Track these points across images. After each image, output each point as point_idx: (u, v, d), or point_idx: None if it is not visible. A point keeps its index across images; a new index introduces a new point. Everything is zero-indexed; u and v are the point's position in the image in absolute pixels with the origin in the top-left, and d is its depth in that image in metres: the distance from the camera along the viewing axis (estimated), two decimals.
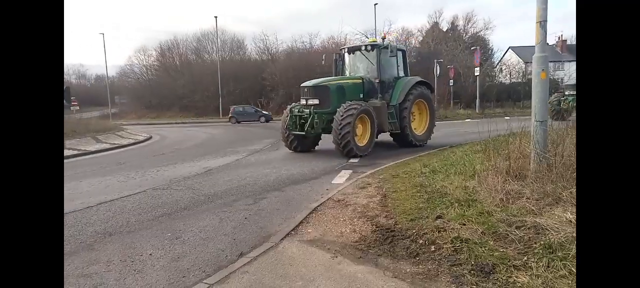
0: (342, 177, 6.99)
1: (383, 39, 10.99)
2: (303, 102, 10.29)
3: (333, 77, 11.00)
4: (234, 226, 4.50)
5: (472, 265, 2.97)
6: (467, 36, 43.14)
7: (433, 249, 3.35)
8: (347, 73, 11.50)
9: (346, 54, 11.69)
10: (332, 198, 5.23)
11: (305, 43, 39.48)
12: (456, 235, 3.44)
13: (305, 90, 10.30)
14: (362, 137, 9.88)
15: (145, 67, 46.71)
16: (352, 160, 8.98)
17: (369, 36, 36.11)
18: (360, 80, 10.66)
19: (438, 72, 26.81)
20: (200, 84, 38.66)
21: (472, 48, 28.79)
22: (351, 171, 7.55)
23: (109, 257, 3.66)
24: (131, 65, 48.06)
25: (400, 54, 11.52)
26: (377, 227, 4.03)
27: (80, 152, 12.19)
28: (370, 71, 10.91)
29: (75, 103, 28.19)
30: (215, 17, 38.84)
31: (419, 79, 11.50)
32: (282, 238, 3.90)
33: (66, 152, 11.82)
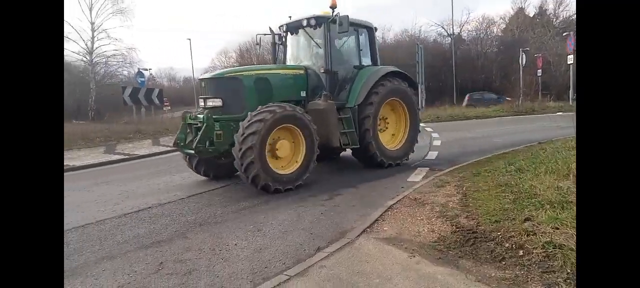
0: (417, 175, 6.81)
1: (333, 8, 7.04)
2: (201, 103, 6.69)
3: (252, 66, 8.15)
4: (310, 221, 4.63)
5: (567, 273, 2.72)
6: (557, 21, 39.11)
7: (521, 254, 3.12)
8: (289, 61, 7.96)
9: (289, 35, 7.93)
10: (408, 197, 5.13)
11: (377, 38, 38.98)
12: (548, 239, 3.17)
13: (203, 84, 6.68)
14: (287, 159, 6.27)
15: (226, 67, 49.89)
16: (428, 157, 8.68)
17: (444, 27, 34.45)
18: (302, 72, 7.16)
19: (523, 62, 24.68)
20: None
21: (564, 34, 26.02)
22: (428, 169, 7.32)
23: (199, 245, 4.00)
24: (214, 67, 51.64)
25: (364, 32, 7.82)
26: (457, 228, 3.87)
27: (173, 149, 13.42)
28: (319, 58, 7.38)
29: (167, 103, 31.06)
30: (289, 16, 40.06)
31: (392, 68, 7.81)
32: (358, 235, 3.92)
33: (163, 149, 13.11)
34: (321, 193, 5.94)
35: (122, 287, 3.15)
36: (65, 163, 10.05)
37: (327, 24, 7.04)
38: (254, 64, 46.76)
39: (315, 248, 3.75)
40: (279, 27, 8.03)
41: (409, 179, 6.55)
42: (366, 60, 7.89)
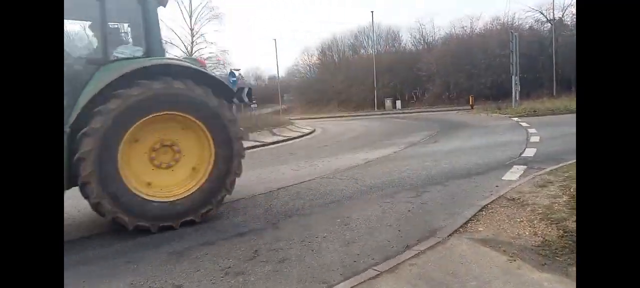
0: (514, 173, 6.28)
1: None
2: None
3: None
4: (397, 218, 4.55)
5: None
6: None
7: None
8: None
9: None
10: (505, 196, 4.75)
11: (465, 27, 36.71)
12: None
13: None
14: None
15: (309, 66, 51.25)
16: (525, 155, 7.96)
17: (543, 12, 31.16)
18: None
19: None
20: (356, 79, 40.22)
21: None
22: (526, 166, 6.71)
23: (289, 235, 4.17)
24: (297, 66, 53.45)
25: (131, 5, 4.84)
26: (565, 232, 3.49)
27: (260, 144, 14.22)
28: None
29: (255, 102, 32.95)
30: (372, 12, 39.76)
31: (165, 60, 4.82)
32: (450, 235, 3.75)
33: (252, 143, 13.96)
34: (406, 190, 5.80)
35: (224, 270, 3.41)
36: None
37: None
38: (335, 61, 47.26)
39: (404, 246, 3.67)
40: None
41: (504, 177, 6.08)
42: (127, 50, 5.00)
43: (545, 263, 3.03)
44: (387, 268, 3.16)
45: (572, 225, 3.63)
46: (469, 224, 3.98)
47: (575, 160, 6.42)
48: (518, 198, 4.60)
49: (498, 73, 27.70)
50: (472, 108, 24.71)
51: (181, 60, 5.31)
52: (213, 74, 5.39)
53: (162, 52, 5.12)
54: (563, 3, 34.67)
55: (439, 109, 28.91)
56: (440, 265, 3.16)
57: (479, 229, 3.85)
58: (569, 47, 29.38)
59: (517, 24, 32.33)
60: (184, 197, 4.65)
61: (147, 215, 4.41)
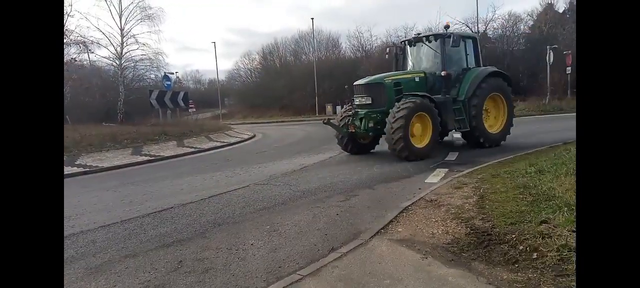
0: (436, 176, 6.75)
1: (446, 27, 9.53)
2: (356, 101, 9.54)
3: (390, 73, 9.93)
4: (326, 222, 4.69)
5: None
6: None
7: (535, 257, 3.08)
8: (409, 67, 10.47)
9: (408, 46, 10.63)
10: (424, 198, 5.11)
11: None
12: (563, 242, 3.12)
13: (358, 88, 9.55)
14: (421, 137, 8.77)
15: (250, 70, 50.54)
16: (448, 158, 8.59)
17: (469, 25, 33.79)
18: (423, 75, 9.64)
19: (551, 60, 23.92)
20: (298, 84, 40.46)
21: (564, 52, 25.00)
22: (447, 170, 7.24)
23: (218, 244, 4.13)
24: (238, 69, 52.46)
25: (470, 42, 10.24)
26: (472, 230, 3.84)
27: (196, 150, 13.79)
28: (435, 64, 9.81)
29: (193, 106, 31.80)
30: (312, 19, 40.29)
31: (492, 69, 10.07)
32: (372, 236, 3.96)
33: (187, 150, 13.48)
34: (338, 194, 5.99)
35: (143, 284, 3.30)
36: (95, 165, 10.51)
37: (443, 39, 9.47)
38: (276, 66, 47.23)
39: (329, 249, 3.81)
40: (401, 42, 11.13)
41: (426, 180, 6.51)
42: (472, 63, 10.08)
43: (452, 260, 3.32)
44: (310, 272, 3.27)
45: (479, 223, 4.01)
46: (390, 225, 4.23)
47: (487, 163, 7.06)
48: (436, 200, 4.97)
49: None
50: None
51: (495, 68, 10.28)
52: (506, 74, 10.70)
53: (481, 64, 10.31)
54: (486, 17, 37.79)
55: None
56: (360, 266, 3.33)
57: (399, 230, 4.10)
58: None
59: None
60: (496, 133, 10.19)
61: (490, 139, 9.93)
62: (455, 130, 9.69)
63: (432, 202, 4.89)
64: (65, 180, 8.97)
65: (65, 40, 24.94)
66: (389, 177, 7.02)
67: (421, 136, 8.78)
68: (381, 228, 4.14)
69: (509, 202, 4.45)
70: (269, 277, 3.31)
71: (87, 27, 29.90)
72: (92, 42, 26.18)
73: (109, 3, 26.73)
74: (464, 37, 10.10)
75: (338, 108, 35.94)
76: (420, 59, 10.34)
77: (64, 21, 24.44)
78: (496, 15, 36.90)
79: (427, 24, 55.49)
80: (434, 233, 3.92)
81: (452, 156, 8.84)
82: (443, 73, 9.40)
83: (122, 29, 27.57)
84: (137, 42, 27.75)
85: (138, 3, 27.34)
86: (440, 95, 9.25)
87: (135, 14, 27.72)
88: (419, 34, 10.29)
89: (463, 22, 34.42)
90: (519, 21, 35.08)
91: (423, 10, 63.42)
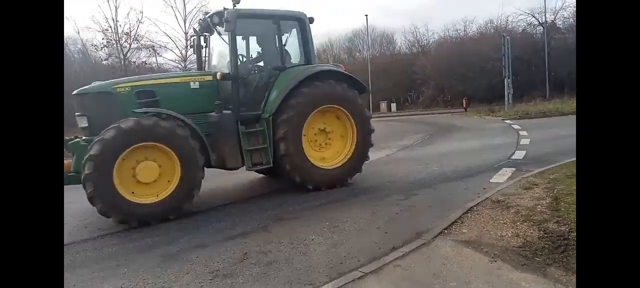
0: (502, 176, 6.40)
1: (234, 2, 5.75)
2: (79, 124, 5.56)
3: (135, 77, 6.61)
4: (386, 220, 4.64)
5: None
6: None
7: None
8: (214, 65, 6.89)
9: (212, 36, 6.80)
10: (491, 199, 4.86)
11: (459, 30, 36.99)
12: None
13: (76, 101, 5.53)
14: (151, 186, 5.05)
15: None
16: (515, 157, 8.08)
17: (536, 15, 31.51)
18: (210, 78, 5.95)
19: None
20: None
21: None
22: (514, 169, 6.83)
23: (279, 238, 4.25)
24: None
25: (295, 26, 6.49)
26: (545, 233, 3.60)
27: None
28: (226, 61, 6.28)
29: None
30: (366, 15, 40.06)
31: (325, 67, 6.58)
32: (435, 236, 3.84)
33: None
34: (396, 192, 5.89)
35: (213, 272, 3.49)
36: None
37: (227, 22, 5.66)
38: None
39: (390, 247, 3.76)
40: (198, 25, 6.90)
41: (492, 180, 6.19)
42: (296, 59, 6.60)
43: (524, 264, 3.13)
44: (372, 270, 3.25)
45: (552, 226, 3.74)
46: (453, 226, 4.08)
47: (560, 163, 6.56)
48: (503, 201, 4.70)
49: (492, 76, 27.90)
50: (465, 110, 24.90)
51: (331, 66, 6.91)
52: (350, 74, 6.90)
53: (313, 60, 6.61)
54: (554, 6, 35.03)
55: (433, 112, 29.07)
56: (424, 266, 3.26)
57: (464, 231, 3.94)
58: (561, 50, 29.72)
59: (510, 27, 32.63)
60: (335, 167, 6.43)
61: (318, 177, 6.19)
62: (248, 167, 5.91)
63: (499, 203, 4.64)
64: None
65: (136, 45, 27.02)
66: (450, 176, 6.77)
67: (154, 184, 5.07)
68: (444, 229, 4.01)
69: None
70: (331, 272, 3.34)
71: (155, 32, 32.28)
72: (160, 46, 28.10)
73: (174, 8, 28.47)
74: (274, 17, 6.15)
75: (393, 105, 35.43)
76: (221, 55, 6.75)
77: (136, 28, 26.45)
78: (566, 3, 33.93)
79: (489, 16, 52.68)
80: (502, 235, 3.72)
81: (519, 154, 8.31)
82: (218, 75, 5.84)
83: (186, 33, 29.25)
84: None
85: (200, 7, 28.82)
86: (213, 113, 5.64)
87: (198, 18, 29.25)
88: (207, 13, 6.69)
89: (529, 12, 32.17)
90: None
91: (482, 1, 60.08)
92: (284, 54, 6.27)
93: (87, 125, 5.38)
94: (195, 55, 7.15)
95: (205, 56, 6.93)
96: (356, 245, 3.90)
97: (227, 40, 5.95)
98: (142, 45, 27.52)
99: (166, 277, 3.45)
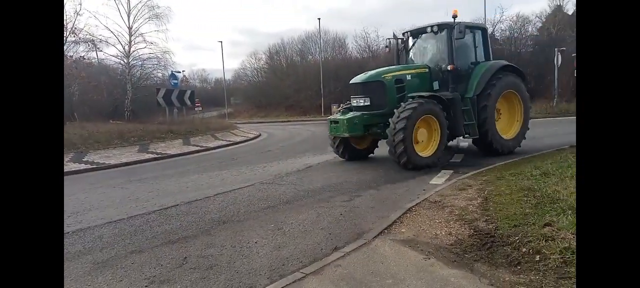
0: (441, 178, 6.75)
1: (454, 17, 8.19)
2: (353, 102, 8.55)
3: (388, 68, 8.72)
4: (330, 221, 4.72)
5: None
6: None
7: (538, 259, 3.09)
8: (412, 62, 9.28)
9: (410, 39, 9.36)
10: (429, 199, 5.12)
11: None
12: (567, 245, 3.12)
13: (355, 87, 8.54)
14: (426, 144, 7.79)
15: (256, 70, 50.72)
16: (454, 160, 8.57)
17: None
18: (426, 70, 8.54)
19: (559, 62, 23.75)
20: (303, 84, 40.56)
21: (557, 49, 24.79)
22: (452, 171, 7.24)
23: (222, 242, 4.18)
24: (244, 69, 52.63)
25: (479, 33, 9.06)
26: (475, 231, 3.85)
27: (202, 149, 13.89)
28: (440, 57, 8.69)
29: (199, 105, 31.99)
30: (319, 19, 40.53)
31: (504, 63, 8.97)
32: (375, 236, 3.98)
33: (193, 148, 13.58)
34: (341, 194, 6.02)
35: (149, 279, 3.35)
36: (102, 162, 10.63)
37: (449, 30, 8.28)
38: (283, 66, 47.32)
39: (332, 248, 3.84)
40: (403, 33, 9.52)
41: (431, 182, 6.51)
42: (482, 57, 9.00)
43: (455, 260, 3.33)
44: (313, 271, 3.30)
45: (481, 225, 4.01)
46: (393, 226, 4.25)
47: (492, 166, 7.04)
48: (440, 201, 4.97)
49: None
50: None
51: (507, 62, 9.22)
52: (519, 69, 9.27)
53: (491, 58, 9.10)
54: (494, 19, 37.51)
55: None
56: (363, 266, 3.36)
57: (402, 230, 4.12)
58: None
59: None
60: (511, 138, 8.90)
61: (503, 145, 8.72)
62: (463, 138, 8.66)
63: (436, 203, 4.89)
64: (73, 177, 9.09)
65: (74, 38, 25.20)
66: (394, 178, 7.03)
67: (426, 143, 7.80)
68: (385, 229, 4.16)
69: (513, 204, 4.45)
70: (273, 274, 3.34)
71: (96, 26, 30.33)
72: (101, 41, 26.40)
73: (117, 2, 26.93)
74: (471, 28, 8.89)
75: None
76: (424, 53, 9.26)
77: (74, 21, 24.68)
78: (504, 17, 36.61)
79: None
80: (437, 234, 3.93)
81: (457, 158, 8.82)
82: (449, 67, 8.24)
83: (130, 28, 27.78)
84: (144, 40, 27.92)
85: (146, 2, 27.53)
86: (448, 92, 8.23)
87: (143, 13, 27.88)
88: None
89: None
90: (527, 23, 34.84)
91: (430, 11, 63.10)
92: (476, 53, 8.85)
93: (369, 104, 8.21)
94: (394, 57, 9.86)
95: (400, 54, 9.64)
96: (299, 247, 3.93)
97: (440, 43, 8.72)
98: (80, 39, 25.67)
99: (97, 285, 3.26)
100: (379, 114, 8.08)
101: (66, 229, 4.82)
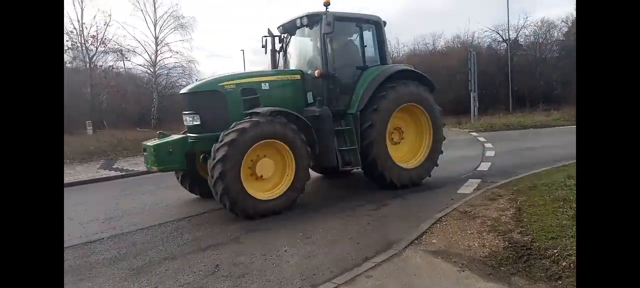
0: (469, 187, 6.62)
1: (326, 5, 6.12)
2: (185, 121, 5.99)
3: (232, 74, 6.21)
4: (357, 230, 4.69)
5: None
6: None
7: None
8: (291, 65, 7.13)
9: (288, 36, 7.15)
10: (458, 209, 5.02)
11: (428, 44, 38.14)
12: None
13: (185, 100, 6.01)
14: (276, 180, 5.53)
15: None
16: (481, 169, 8.40)
17: (500, 32, 33.05)
18: (298, 77, 6.33)
19: None
20: None
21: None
22: (480, 180, 7.08)
23: (251, 250, 4.21)
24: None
25: (370, 29, 6.80)
26: (510, 243, 3.75)
27: None
28: (315, 60, 6.54)
29: None
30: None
31: (401, 66, 6.92)
32: (406, 247, 3.93)
33: None
34: (368, 202, 5.97)
35: (183, 286, 3.41)
36: (131, 169, 10.91)
37: (321, 24, 6.02)
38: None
39: (362, 258, 3.81)
40: (278, 28, 7.10)
41: (459, 191, 6.39)
42: (373, 61, 6.85)
43: (491, 273, 3.25)
44: (345, 281, 3.28)
45: (517, 236, 3.91)
46: (424, 236, 4.19)
47: (523, 175, 6.87)
48: (470, 211, 4.87)
49: (459, 89, 28.94)
50: None
51: (407, 66, 7.17)
52: (424, 75, 7.09)
53: (387, 60, 6.99)
54: (517, 24, 36.81)
55: None
56: (396, 277, 3.32)
57: (433, 241, 4.06)
58: (523, 66, 31.23)
59: (476, 42, 33.97)
60: (415, 167, 6.77)
61: (402, 177, 6.53)
62: (341, 168, 6.12)
63: (466, 214, 4.80)
64: (105, 183, 9.37)
65: (103, 49, 26.13)
66: (420, 186, 6.93)
67: (276, 179, 5.51)
68: (415, 239, 4.11)
69: (548, 215, 4.32)
70: (304, 284, 3.34)
71: (124, 36, 31.36)
72: (128, 50, 27.28)
73: (144, 12, 27.79)
74: (356, 21, 6.59)
75: None
76: (301, 54, 7.09)
77: (103, 32, 25.59)
78: (528, 22, 35.83)
79: (456, 30, 54.72)
80: (470, 245, 3.85)
81: (484, 166, 8.64)
82: (316, 73, 6.08)
83: (156, 38, 28.59)
84: (170, 50, 28.69)
85: (172, 12, 28.30)
86: (315, 107, 6.04)
87: (169, 23, 28.69)
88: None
89: (493, 28, 33.65)
90: (552, 28, 33.97)
91: (451, 17, 62.12)
92: (365, 54, 6.64)
93: (199, 123, 5.69)
94: (273, 56, 7.21)
95: (278, 57, 7.23)
96: (329, 256, 3.92)
97: (313, 38, 6.66)
98: (109, 49, 26.61)
99: None
100: (215, 137, 5.29)
101: (101, 235, 4.97)
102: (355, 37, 6.89)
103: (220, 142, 5.05)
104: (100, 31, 26.26)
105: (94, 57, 26.69)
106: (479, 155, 10.37)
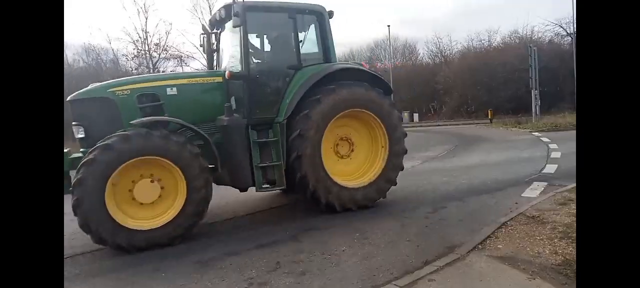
0: (534, 190, 6.24)
1: None
2: (75, 133, 4.91)
3: (127, 79, 5.46)
4: (415, 233, 4.60)
5: None
6: None
7: None
8: (223, 65, 6.02)
9: (219, 34, 6.17)
10: (524, 214, 4.76)
11: (483, 41, 36.49)
12: None
13: (71, 108, 4.89)
14: (158, 206, 4.55)
15: None
16: (546, 171, 7.87)
17: (563, 26, 30.80)
18: (219, 79, 5.35)
19: None
20: None
21: None
22: (546, 184, 6.65)
23: (310, 248, 4.27)
24: None
25: (313, 21, 5.78)
26: None
27: None
28: (238, 58, 5.46)
29: None
30: (388, 26, 40.08)
31: (346, 65, 6.08)
32: (469, 251, 3.79)
33: None
34: (424, 205, 5.83)
35: (247, 280, 3.54)
36: None
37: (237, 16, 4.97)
38: None
39: (422, 261, 3.73)
40: (209, 22, 6.38)
41: (523, 194, 6.05)
42: (315, 59, 5.78)
43: (565, 283, 3.05)
44: (407, 283, 3.23)
45: None
46: (487, 241, 4.02)
47: None
48: (538, 216, 4.60)
49: (517, 87, 27.38)
50: (491, 122, 24.44)
51: (355, 64, 6.41)
52: (377, 74, 6.28)
53: (333, 58, 5.84)
54: None
55: (457, 123, 28.66)
56: (460, 282, 3.21)
57: (498, 246, 3.87)
58: None
59: (536, 37, 31.96)
60: (365, 185, 5.63)
61: (346, 198, 5.44)
62: (259, 188, 5.19)
63: (534, 219, 4.53)
64: None
65: (165, 55, 27.83)
66: (479, 189, 6.66)
67: (165, 203, 4.58)
68: (478, 243, 3.95)
69: None
70: (364, 284, 3.34)
71: (183, 43, 33.22)
72: (188, 56, 28.82)
73: (201, 20, 29.17)
74: (275, 10, 5.60)
75: (415, 115, 35.16)
76: (231, 53, 5.91)
77: (165, 39, 27.20)
78: None
79: (513, 26, 51.74)
80: (540, 252, 3.63)
81: (550, 168, 8.09)
82: (227, 74, 5.13)
83: (213, 44, 29.85)
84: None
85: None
86: (224, 116, 4.97)
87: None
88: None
89: (556, 22, 31.43)
90: None
91: (507, 11, 58.72)
92: (299, 51, 5.57)
93: (84, 136, 4.77)
94: (209, 57, 6.42)
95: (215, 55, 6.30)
96: (388, 258, 3.88)
97: (235, 37, 5.44)
98: (170, 55, 28.33)
99: (203, 284, 3.52)
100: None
101: None
102: (304, 34, 5.86)
103: (81, 163, 4.18)
104: (162, 39, 28.01)
105: (157, 63, 28.55)
106: (543, 156, 9.74)
